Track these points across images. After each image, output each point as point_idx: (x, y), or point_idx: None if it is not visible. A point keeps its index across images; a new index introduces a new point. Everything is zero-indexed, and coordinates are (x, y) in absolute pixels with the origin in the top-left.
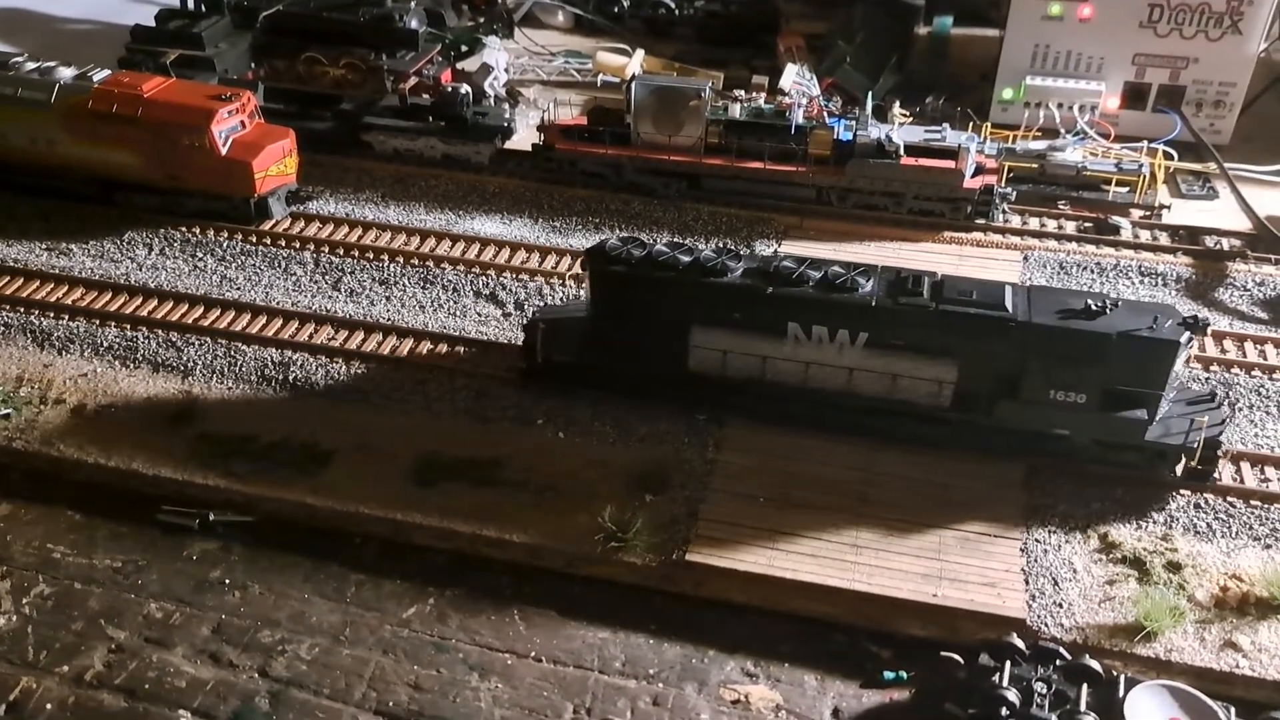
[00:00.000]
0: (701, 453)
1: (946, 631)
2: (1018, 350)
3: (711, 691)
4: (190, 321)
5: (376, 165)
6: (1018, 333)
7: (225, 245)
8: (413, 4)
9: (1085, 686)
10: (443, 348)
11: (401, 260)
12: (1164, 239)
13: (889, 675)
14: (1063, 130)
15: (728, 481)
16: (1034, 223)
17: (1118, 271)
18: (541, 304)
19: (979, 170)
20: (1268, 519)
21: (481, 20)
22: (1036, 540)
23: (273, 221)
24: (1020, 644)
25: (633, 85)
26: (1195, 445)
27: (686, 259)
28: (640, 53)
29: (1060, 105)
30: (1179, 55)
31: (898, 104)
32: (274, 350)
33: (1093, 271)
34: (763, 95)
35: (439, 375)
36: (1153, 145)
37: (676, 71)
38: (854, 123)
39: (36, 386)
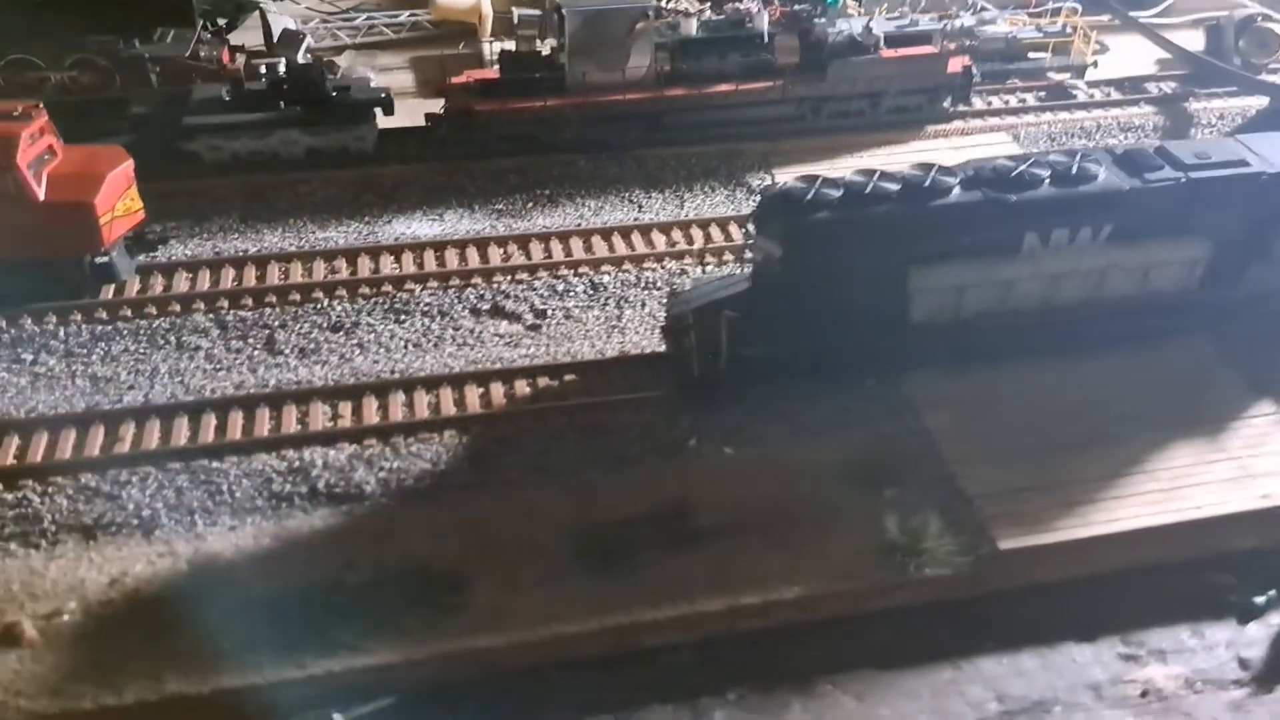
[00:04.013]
0: (901, 423)
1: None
2: (1271, 205)
3: (1114, 694)
4: (97, 454)
5: (212, 183)
6: (1270, 186)
7: (68, 335)
8: None
9: None
10: (497, 388)
11: (345, 294)
12: (1115, 94)
13: (1260, 600)
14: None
15: (959, 446)
16: (996, 101)
17: (1102, 132)
18: (676, 289)
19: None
20: None
21: None
22: None
23: (118, 285)
24: None
25: (564, 14)
26: None
27: (895, 186)
28: None
29: None
30: None
31: None
32: (267, 457)
33: (1079, 136)
34: (704, 4)
35: (524, 425)
36: (1058, 5)
37: None
38: (822, 20)
39: None
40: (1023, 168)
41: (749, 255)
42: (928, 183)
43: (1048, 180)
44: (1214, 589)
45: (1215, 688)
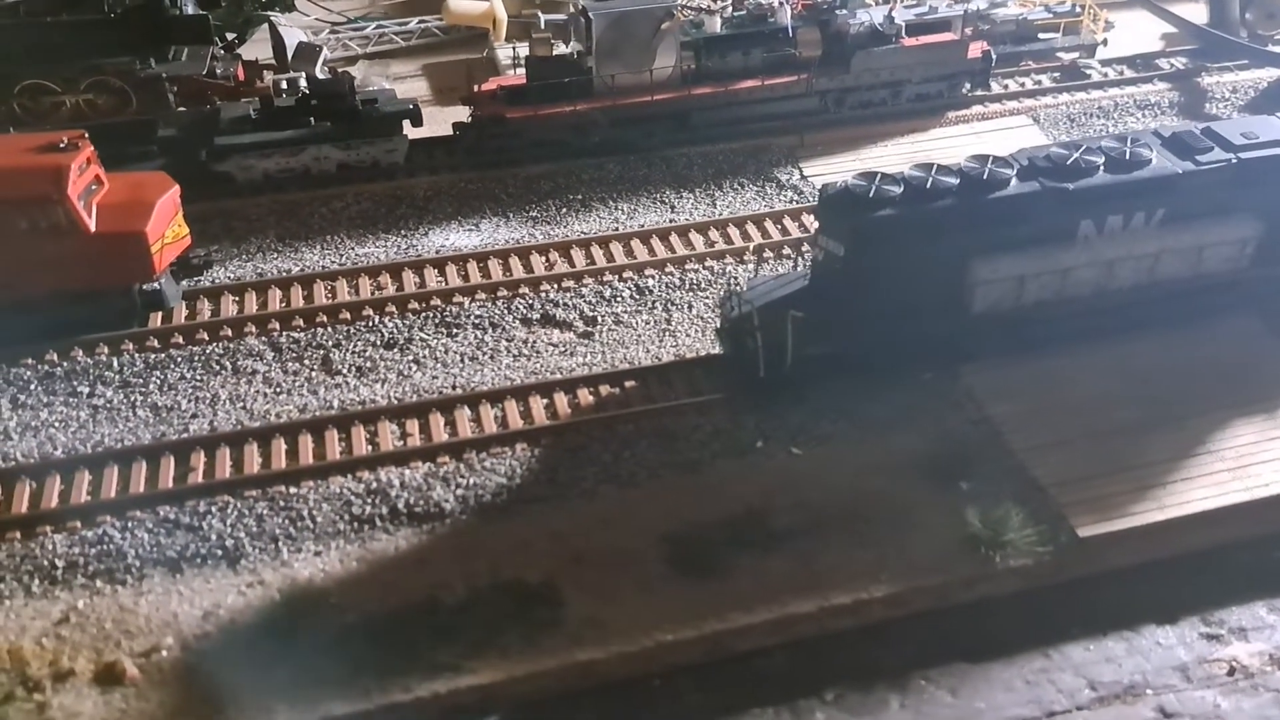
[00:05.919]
0: (964, 414)
1: None
2: None
3: (1201, 674)
4: (171, 485)
5: (243, 203)
6: None
7: (122, 365)
8: None
9: None
10: (561, 399)
11: (394, 310)
12: (1128, 72)
13: None
14: None
15: (1024, 436)
16: (1013, 84)
17: (1120, 111)
18: (734, 290)
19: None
20: None
21: None
22: None
23: (166, 312)
24: None
25: (590, 16)
26: None
27: (954, 180)
28: None
29: None
30: None
31: None
32: (344, 479)
33: (1097, 116)
34: (724, 1)
35: (593, 434)
36: None
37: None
38: (843, 11)
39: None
40: (1076, 155)
41: (809, 253)
42: (985, 175)
43: (1102, 167)
44: None
45: None
